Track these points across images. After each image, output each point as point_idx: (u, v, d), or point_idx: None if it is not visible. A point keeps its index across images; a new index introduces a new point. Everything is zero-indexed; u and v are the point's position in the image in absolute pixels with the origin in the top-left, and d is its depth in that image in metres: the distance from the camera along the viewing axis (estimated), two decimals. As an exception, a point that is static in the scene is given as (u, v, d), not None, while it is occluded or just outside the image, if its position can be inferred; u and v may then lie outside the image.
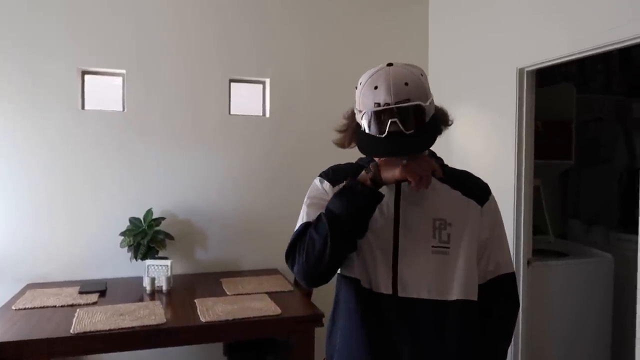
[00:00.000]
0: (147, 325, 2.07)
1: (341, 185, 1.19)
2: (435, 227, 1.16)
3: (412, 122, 1.06)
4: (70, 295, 2.49)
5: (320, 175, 1.30)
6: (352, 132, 1.20)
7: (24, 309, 2.28)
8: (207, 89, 3.10)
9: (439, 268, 1.16)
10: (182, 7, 3.05)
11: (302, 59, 3.27)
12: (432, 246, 1.16)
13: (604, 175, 3.75)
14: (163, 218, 2.90)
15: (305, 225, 1.19)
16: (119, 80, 3.02)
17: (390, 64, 1.13)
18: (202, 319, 2.15)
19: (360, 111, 1.13)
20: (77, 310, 2.25)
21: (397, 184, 1.19)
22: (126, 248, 2.78)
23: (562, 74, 3.63)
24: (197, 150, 3.07)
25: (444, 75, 3.41)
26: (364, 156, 1.25)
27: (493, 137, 2.88)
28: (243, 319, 2.18)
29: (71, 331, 1.99)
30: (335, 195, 1.14)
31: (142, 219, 2.84)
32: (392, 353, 1.16)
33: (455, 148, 3.25)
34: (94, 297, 2.46)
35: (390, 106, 1.06)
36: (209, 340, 2.34)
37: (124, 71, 2.98)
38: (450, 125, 1.24)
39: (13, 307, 2.29)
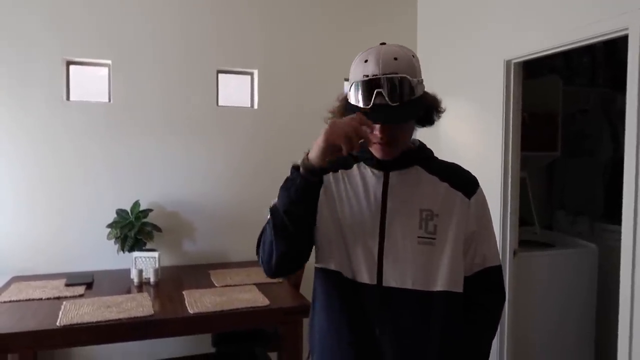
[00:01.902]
0: (134, 317, 2.06)
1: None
2: (422, 217, 1.16)
3: (398, 94, 1.06)
4: (56, 288, 2.47)
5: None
6: (344, 114, 1.17)
7: (10, 301, 2.26)
8: (195, 80, 3.07)
9: (424, 259, 1.15)
10: (169, -3, 3.01)
11: (291, 51, 3.25)
12: (418, 237, 1.15)
13: (589, 167, 3.79)
14: (150, 210, 2.88)
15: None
16: (104, 71, 2.98)
17: (383, 43, 1.14)
18: (190, 311, 2.15)
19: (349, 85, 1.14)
20: (64, 302, 2.23)
21: (385, 175, 1.18)
22: (113, 240, 2.76)
23: (549, 66, 3.66)
24: (184, 142, 3.05)
25: (432, 68, 3.41)
26: None
27: (481, 128, 2.90)
28: (231, 310, 2.18)
29: (57, 323, 1.97)
30: (281, 187, 1.13)
31: (129, 211, 2.82)
32: (373, 344, 1.16)
33: (444, 140, 3.27)
34: (80, 290, 2.44)
35: (377, 76, 1.06)
36: (198, 331, 2.34)
37: (109, 62, 2.94)
38: (442, 112, 1.23)
39: (-1, 300, 2.27)
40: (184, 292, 2.40)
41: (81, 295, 2.36)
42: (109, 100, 2.96)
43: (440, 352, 1.16)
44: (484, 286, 1.23)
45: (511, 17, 2.64)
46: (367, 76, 1.07)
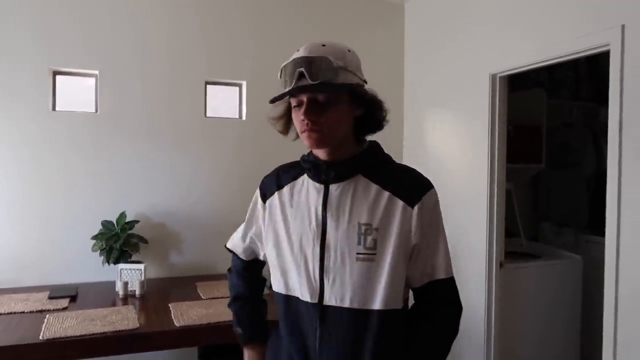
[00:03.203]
0: (119, 331, 2.03)
1: (274, 194, 1.27)
2: (360, 232, 1.11)
3: (318, 73, 1.05)
4: (39, 301, 2.42)
5: (261, 182, 1.34)
6: (288, 118, 1.19)
7: (-9, 315, 2.21)
8: (183, 91, 3.07)
9: (363, 276, 1.10)
10: (158, 8, 3.01)
11: (280, 62, 3.26)
12: (357, 253, 1.10)
13: (574, 179, 3.85)
14: (137, 221, 2.85)
15: (233, 266, 1.52)
16: (91, 81, 2.97)
17: (323, 45, 1.14)
18: (177, 324, 2.13)
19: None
20: (47, 315, 2.19)
21: (326, 189, 1.16)
22: (98, 252, 2.73)
23: (534, 80, 3.73)
24: (172, 153, 3.04)
25: (420, 82, 3.46)
26: (306, 153, 1.23)
27: (467, 141, 2.93)
28: (218, 322, 2.16)
29: (40, 337, 1.93)
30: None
31: (115, 222, 2.80)
32: (308, 357, 1.17)
33: (431, 152, 3.30)
34: (64, 303, 2.40)
35: (300, 56, 1.08)
36: (184, 345, 2.30)
37: (97, 72, 2.92)
38: (385, 113, 1.18)
39: (-21, 314, 2.22)
40: (170, 305, 2.37)
41: (65, 309, 2.32)
42: (96, 110, 2.94)
43: None
44: (434, 299, 1.17)
45: (496, 32, 2.69)
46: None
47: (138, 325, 2.10)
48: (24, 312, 2.26)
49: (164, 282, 2.88)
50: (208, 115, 3.16)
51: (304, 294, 1.15)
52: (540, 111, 3.47)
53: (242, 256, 1.45)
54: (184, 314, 2.24)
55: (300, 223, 1.17)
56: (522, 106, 3.27)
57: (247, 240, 1.38)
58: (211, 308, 2.33)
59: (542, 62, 2.41)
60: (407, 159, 3.59)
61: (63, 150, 2.83)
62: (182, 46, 3.06)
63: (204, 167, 3.11)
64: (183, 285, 2.78)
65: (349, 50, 1.14)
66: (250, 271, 1.47)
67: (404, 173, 1.20)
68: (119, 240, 2.70)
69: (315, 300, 1.13)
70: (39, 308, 2.31)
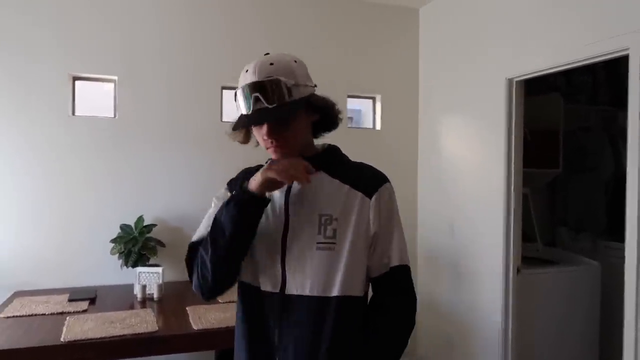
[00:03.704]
0: (139, 333, 2.05)
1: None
2: (320, 223, 1.16)
3: (274, 97, 1.10)
4: (59, 303, 2.46)
5: (227, 183, 1.37)
6: (247, 130, 1.25)
7: (13, 317, 2.25)
8: (199, 96, 3.10)
9: (323, 264, 1.15)
10: (175, 15, 3.06)
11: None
12: (317, 242, 1.16)
13: (591, 183, 3.81)
14: (154, 225, 2.88)
15: (197, 243, 1.25)
16: (108, 87, 3.02)
17: (266, 54, 1.18)
18: (195, 327, 2.14)
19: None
20: (67, 318, 2.22)
21: (289, 185, 1.21)
22: (116, 255, 2.76)
23: (550, 84, 3.70)
24: (188, 157, 3.07)
25: (434, 87, 3.46)
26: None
27: (483, 146, 2.92)
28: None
29: (62, 339, 1.96)
30: (222, 205, 1.18)
31: (133, 226, 2.83)
32: (271, 351, 1.18)
33: (446, 157, 3.29)
34: (84, 305, 2.43)
35: (253, 81, 1.11)
36: (201, 348, 2.32)
37: (115, 77, 2.97)
38: (339, 114, 1.26)
39: (1, 315, 2.26)
40: (187, 308, 2.39)
41: (84, 311, 2.36)
42: (114, 115, 2.98)
43: (329, 357, 1.15)
44: (391, 288, 1.21)
45: (513, 37, 2.68)
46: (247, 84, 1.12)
47: (157, 328, 2.12)
48: (44, 314, 2.29)
49: (182, 285, 2.90)
50: (224, 119, 3.19)
51: (267, 285, 1.19)
52: (557, 115, 3.44)
53: None
54: (202, 317, 2.26)
55: (265, 216, 1.20)
56: (539, 111, 3.25)
57: None
58: (229, 312, 2.35)
59: (560, 66, 2.40)
60: (422, 164, 3.58)
61: (82, 154, 2.88)
62: (199, 52, 3.10)
63: (220, 171, 3.11)
64: (200, 289, 2.80)
65: (295, 62, 1.18)
66: None
67: (362, 169, 1.26)
68: (137, 244, 2.73)
69: (277, 290, 1.18)
70: (60, 310, 2.34)
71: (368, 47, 3.48)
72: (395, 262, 1.20)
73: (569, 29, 2.32)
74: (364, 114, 3.89)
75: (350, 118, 3.85)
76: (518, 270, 2.72)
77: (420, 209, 3.59)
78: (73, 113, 2.92)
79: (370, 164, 1.28)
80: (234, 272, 1.21)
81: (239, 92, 1.14)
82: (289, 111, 1.13)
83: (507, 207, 2.71)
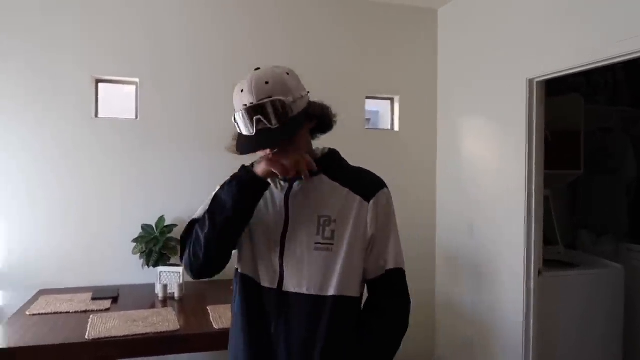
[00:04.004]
0: (161, 332, 2.08)
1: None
2: (319, 224, 1.20)
3: (275, 117, 1.12)
4: (83, 302, 2.50)
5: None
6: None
7: (38, 314, 2.29)
8: (219, 97, 3.13)
9: (320, 264, 1.19)
10: (195, 17, 3.09)
11: (315, 70, 3.30)
12: (315, 243, 1.19)
13: (613, 185, 3.76)
14: (175, 225, 2.92)
15: (196, 220, 1.27)
16: (129, 89, 3.06)
17: (257, 69, 1.19)
18: (215, 326, 2.16)
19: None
20: (91, 316, 2.26)
21: (290, 182, 1.25)
22: (138, 255, 2.80)
23: (571, 85, 3.66)
24: (209, 158, 3.09)
25: (453, 87, 3.44)
26: None
27: (503, 147, 2.90)
28: (256, 326, 2.19)
29: (86, 337, 2.00)
30: (223, 185, 1.21)
31: (154, 226, 2.87)
32: (268, 348, 1.21)
33: (466, 158, 3.27)
34: (106, 304, 2.47)
35: (253, 104, 1.12)
36: (222, 347, 2.31)
37: (137, 80, 3.02)
38: (335, 117, 1.28)
39: (27, 313, 2.31)
40: (208, 308, 2.42)
41: (107, 309, 2.39)
42: (136, 117, 3.03)
43: (323, 355, 1.18)
44: (386, 290, 1.24)
45: (534, 36, 2.66)
46: (246, 105, 1.13)
47: (178, 327, 2.14)
48: (69, 312, 2.33)
49: (202, 285, 2.91)
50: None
51: (265, 280, 1.23)
52: (577, 116, 3.40)
53: None
54: (222, 316, 2.28)
55: (265, 214, 1.25)
56: (559, 111, 3.22)
57: None
58: (248, 311, 2.36)
59: (583, 66, 2.37)
60: (441, 164, 3.57)
61: (105, 155, 2.93)
62: (220, 53, 3.13)
63: (240, 173, 3.15)
64: (220, 288, 2.82)
65: (287, 74, 1.19)
66: None
67: (361, 173, 1.30)
68: (158, 244, 2.77)
69: (275, 286, 1.21)
70: (83, 309, 2.38)
71: (386, 49, 3.48)
72: (391, 265, 1.23)
73: (591, 28, 2.30)
74: (381, 115, 3.89)
75: (368, 120, 3.85)
76: (539, 273, 2.69)
77: (439, 209, 3.58)
78: (96, 115, 2.97)
79: (368, 169, 1.32)
80: (226, 254, 1.23)
81: (238, 115, 1.16)
82: (293, 129, 1.16)
83: (527, 208, 2.69)
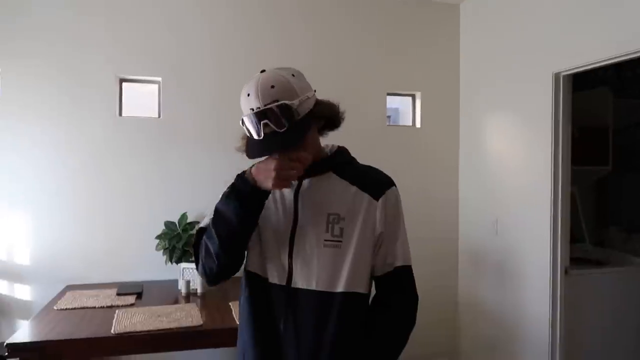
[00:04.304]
0: (185, 327, 2.10)
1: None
2: (329, 221, 1.21)
3: (282, 121, 1.11)
4: (108, 297, 2.55)
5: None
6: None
7: (65, 309, 2.35)
8: (239, 96, 3.14)
9: (329, 261, 1.19)
10: (217, 17, 3.12)
11: (338, 70, 3.30)
12: (325, 240, 1.20)
13: (644, 182, 3.65)
14: (197, 222, 2.94)
15: (204, 229, 1.27)
16: (151, 87, 3.10)
17: (263, 71, 1.19)
18: (238, 322, 2.17)
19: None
20: (116, 311, 2.30)
21: (299, 183, 1.25)
22: (162, 251, 2.84)
23: (599, 78, 3.57)
24: (230, 156, 3.09)
25: (476, 83, 3.39)
26: None
27: (528, 143, 2.84)
28: (278, 322, 2.19)
29: (112, 331, 2.03)
30: (223, 196, 1.21)
31: (177, 223, 2.90)
32: (277, 343, 1.22)
33: (489, 154, 3.22)
34: (131, 299, 2.51)
35: (260, 109, 1.12)
36: (244, 343, 2.35)
37: (159, 79, 3.05)
38: (342, 114, 1.28)
39: (55, 308, 2.36)
40: (230, 303, 2.43)
41: (132, 305, 2.43)
42: (159, 115, 3.07)
43: (332, 351, 1.19)
44: (394, 287, 1.25)
45: (559, 29, 2.59)
46: (253, 110, 1.13)
47: (202, 322, 2.16)
48: (95, 307, 2.38)
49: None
50: (265, 119, 3.22)
51: (274, 277, 1.23)
52: (606, 111, 3.32)
53: None
54: (245, 312, 2.29)
55: (275, 211, 1.25)
56: (586, 106, 3.14)
57: None
58: (270, 308, 2.37)
59: (611, 59, 2.31)
60: (463, 161, 3.52)
61: (129, 153, 2.98)
62: (240, 52, 3.14)
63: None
64: (241, 285, 2.84)
65: (293, 75, 1.18)
66: None
67: (370, 171, 1.30)
68: (180, 240, 2.80)
69: (284, 283, 1.22)
70: (109, 304, 2.43)
71: (407, 45, 3.45)
72: (399, 262, 1.24)
73: (619, 19, 2.23)
74: (401, 112, 3.86)
75: (388, 117, 3.82)
76: (566, 271, 2.64)
77: (461, 206, 3.53)
78: (120, 114, 3.02)
79: (377, 168, 1.31)
80: (239, 258, 1.25)
81: (246, 119, 1.16)
82: (301, 132, 1.15)
83: (553, 205, 2.63)
